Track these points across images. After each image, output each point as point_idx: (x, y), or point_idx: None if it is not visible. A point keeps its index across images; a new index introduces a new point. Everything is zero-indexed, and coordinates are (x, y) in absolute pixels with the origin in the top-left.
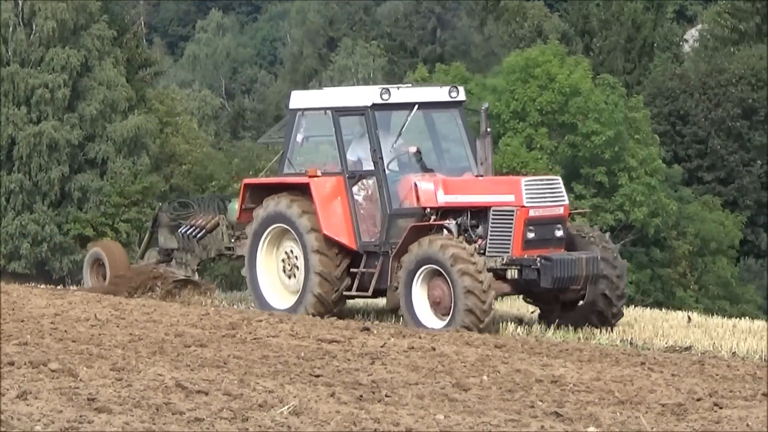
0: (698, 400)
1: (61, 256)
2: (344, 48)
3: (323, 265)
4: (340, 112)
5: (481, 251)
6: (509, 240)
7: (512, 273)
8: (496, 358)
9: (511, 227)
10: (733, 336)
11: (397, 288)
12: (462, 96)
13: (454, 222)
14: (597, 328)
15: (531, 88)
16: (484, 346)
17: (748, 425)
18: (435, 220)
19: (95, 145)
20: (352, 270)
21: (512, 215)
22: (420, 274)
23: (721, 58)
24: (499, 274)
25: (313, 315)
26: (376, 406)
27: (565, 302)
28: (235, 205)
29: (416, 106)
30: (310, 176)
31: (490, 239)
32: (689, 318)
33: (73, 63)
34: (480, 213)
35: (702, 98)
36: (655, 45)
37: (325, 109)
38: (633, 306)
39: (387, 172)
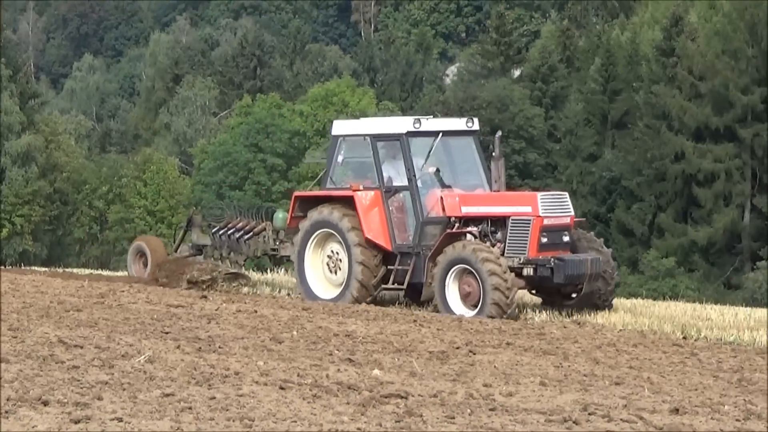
0: (457, 348)
1: None
2: (186, 82)
3: (364, 256)
4: (377, 138)
5: (500, 253)
6: (526, 243)
7: (528, 271)
8: (303, 318)
9: (527, 233)
10: None
11: (431, 283)
12: (476, 126)
13: (476, 228)
14: (592, 316)
15: (330, 112)
16: (294, 309)
17: (495, 367)
18: (459, 228)
19: None
20: (388, 267)
21: (529, 223)
22: (453, 271)
23: (474, 88)
24: (516, 272)
25: (357, 300)
26: (211, 355)
27: (565, 294)
28: (280, 214)
29: (440, 134)
30: (354, 190)
31: (509, 243)
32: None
33: None
34: (499, 221)
35: None
36: (423, 78)
37: (365, 135)
38: None
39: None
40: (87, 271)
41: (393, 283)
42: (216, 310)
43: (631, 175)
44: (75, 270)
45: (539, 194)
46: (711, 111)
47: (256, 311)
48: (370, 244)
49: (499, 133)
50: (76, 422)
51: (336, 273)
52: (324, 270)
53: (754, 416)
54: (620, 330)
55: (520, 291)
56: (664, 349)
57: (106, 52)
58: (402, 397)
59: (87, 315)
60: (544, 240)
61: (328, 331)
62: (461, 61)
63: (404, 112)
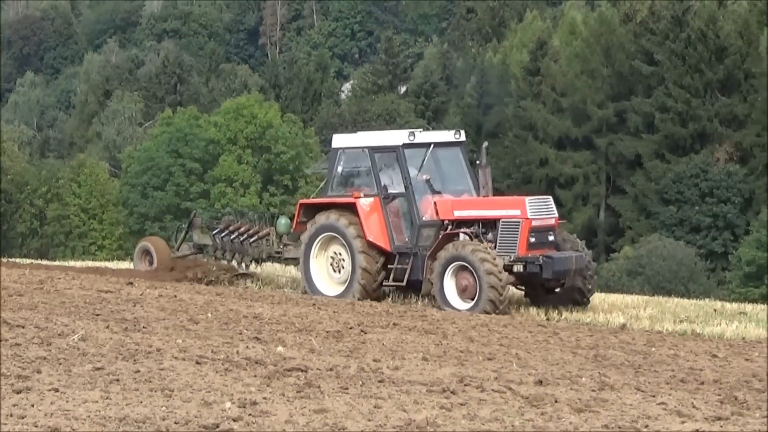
0: (351, 328)
1: None
2: (116, 97)
3: (367, 263)
4: (375, 150)
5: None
6: (515, 243)
7: (518, 268)
8: (217, 302)
9: (517, 233)
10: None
11: (430, 279)
12: (463, 138)
13: (469, 230)
14: (573, 308)
15: (240, 123)
16: (209, 294)
17: (384, 344)
18: (451, 230)
19: None
20: (388, 266)
21: (518, 225)
22: (451, 268)
23: (366, 102)
24: (507, 269)
25: (359, 299)
26: (136, 334)
27: (548, 289)
28: (282, 220)
29: (432, 146)
30: (355, 197)
31: (500, 242)
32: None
33: None
34: (489, 223)
35: (353, 130)
36: (322, 94)
37: (363, 147)
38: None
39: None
40: (28, 261)
41: (393, 281)
42: (141, 295)
43: (503, 179)
44: (17, 260)
45: (527, 198)
46: (571, 123)
47: (175, 296)
48: (371, 246)
49: (486, 144)
50: (18, 392)
51: (339, 272)
52: (328, 269)
53: (608, 387)
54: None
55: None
56: (530, 329)
57: (45, 70)
58: (302, 371)
59: (28, 299)
60: (532, 240)
61: (238, 313)
62: (355, 78)
63: (305, 123)
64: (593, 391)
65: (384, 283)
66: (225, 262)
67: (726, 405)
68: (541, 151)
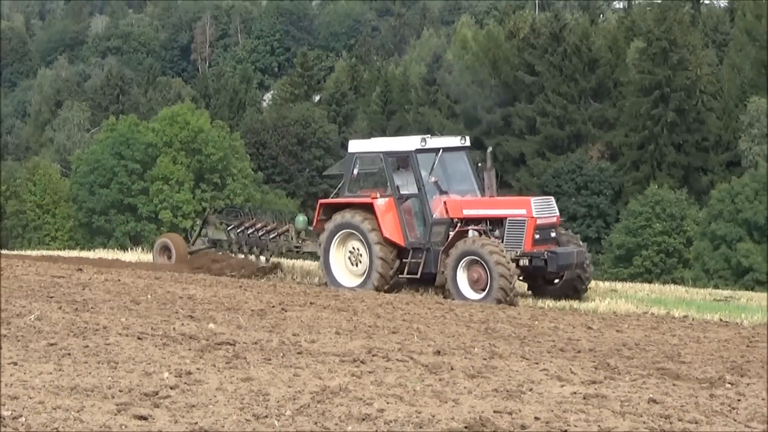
0: (273, 306)
1: None
2: (66, 106)
3: (383, 253)
4: (389, 154)
5: None
6: (522, 239)
7: (524, 262)
8: (156, 285)
9: (523, 231)
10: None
11: (444, 272)
12: (467, 143)
13: (477, 227)
14: (572, 299)
15: (175, 129)
16: (149, 278)
17: (302, 321)
18: (460, 227)
19: None
20: (402, 260)
21: (524, 222)
22: (463, 262)
23: (284, 110)
24: (513, 262)
25: (377, 289)
26: (86, 314)
27: (549, 281)
28: (300, 217)
29: (441, 150)
30: (372, 198)
31: (507, 239)
32: (267, 259)
33: None
34: (496, 221)
35: (273, 134)
36: (246, 103)
37: (378, 152)
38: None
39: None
40: None
41: (407, 273)
42: (89, 279)
43: None
44: None
45: (532, 199)
46: (464, 126)
47: (119, 280)
48: (387, 242)
49: (490, 148)
50: None
51: (357, 265)
52: (346, 263)
53: (497, 356)
54: (396, 292)
55: None
56: (429, 306)
57: (3, 83)
58: (231, 344)
59: None
60: (537, 236)
61: (174, 294)
62: (274, 89)
63: (232, 128)
64: (484, 359)
65: (399, 276)
66: (242, 257)
67: (600, 370)
68: None
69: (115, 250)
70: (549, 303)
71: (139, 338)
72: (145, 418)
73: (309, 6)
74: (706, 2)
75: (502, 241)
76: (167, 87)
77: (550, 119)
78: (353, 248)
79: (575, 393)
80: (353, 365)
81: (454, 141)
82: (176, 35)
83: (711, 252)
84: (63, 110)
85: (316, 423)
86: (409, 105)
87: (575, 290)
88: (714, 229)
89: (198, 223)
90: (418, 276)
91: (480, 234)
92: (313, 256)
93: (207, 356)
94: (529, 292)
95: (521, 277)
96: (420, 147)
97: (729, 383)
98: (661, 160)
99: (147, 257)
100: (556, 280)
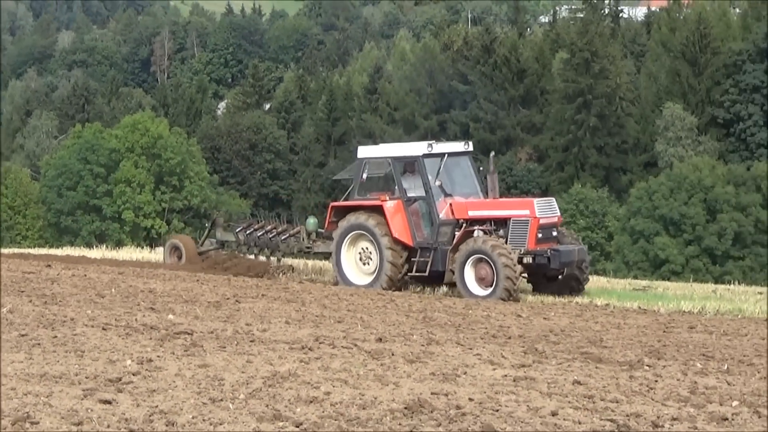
0: (228, 298)
1: None
2: (35, 115)
3: (393, 257)
4: (397, 159)
5: None
6: (525, 238)
7: (527, 260)
8: (119, 279)
9: (527, 230)
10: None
11: (452, 270)
12: (471, 148)
13: (482, 227)
14: (572, 295)
15: (136, 135)
16: (113, 273)
17: (254, 311)
18: (466, 228)
19: None
20: (411, 259)
21: (528, 222)
22: (471, 260)
23: (237, 117)
24: (518, 260)
25: (387, 287)
26: (54, 307)
27: (549, 278)
28: (311, 220)
29: (446, 155)
30: (382, 200)
31: (511, 238)
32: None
33: None
34: (500, 221)
35: (227, 139)
36: (202, 111)
37: (386, 158)
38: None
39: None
40: None
41: (416, 271)
42: (57, 275)
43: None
44: None
45: (535, 200)
46: (403, 132)
47: (85, 275)
48: (396, 242)
49: (493, 153)
50: None
51: (367, 264)
52: (356, 263)
53: (434, 342)
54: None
55: None
56: (372, 297)
57: None
58: (189, 334)
59: None
60: (540, 235)
61: (136, 288)
62: (228, 98)
63: (189, 135)
64: (422, 345)
65: (409, 274)
66: (252, 257)
67: (528, 355)
68: None
69: (82, 247)
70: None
71: (103, 329)
72: (109, 402)
73: (259, 21)
74: (625, 16)
75: (507, 241)
76: (129, 97)
77: (482, 124)
78: (363, 248)
79: (506, 376)
80: (302, 352)
81: (458, 146)
82: (137, 49)
83: (630, 245)
84: (32, 119)
85: (267, 405)
86: (353, 112)
87: (575, 286)
88: (633, 225)
89: (207, 225)
90: (427, 274)
91: (485, 234)
92: (324, 256)
93: (166, 345)
94: (530, 287)
95: (525, 275)
96: (427, 152)
97: (647, 366)
98: (584, 162)
99: (111, 254)
100: (558, 277)
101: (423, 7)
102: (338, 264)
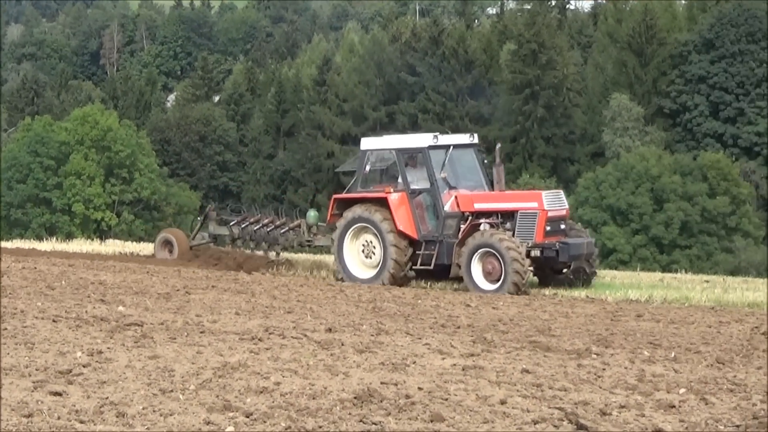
0: (177, 290)
1: None
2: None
3: (397, 250)
4: (402, 151)
5: None
6: (533, 231)
7: (535, 253)
8: (70, 272)
9: (534, 223)
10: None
11: (458, 264)
12: (476, 140)
13: (489, 220)
14: (577, 287)
15: (86, 128)
16: (63, 266)
17: (204, 303)
18: (472, 221)
19: None
20: (416, 253)
21: (536, 215)
22: (478, 254)
23: (187, 109)
24: (526, 254)
25: (391, 281)
26: (4, 299)
27: (556, 271)
28: (311, 212)
29: (451, 147)
30: (386, 193)
31: (518, 231)
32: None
33: None
34: (507, 214)
35: (177, 132)
36: (151, 103)
37: (391, 149)
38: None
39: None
40: None
41: (420, 265)
42: (7, 267)
43: (298, 168)
44: None
45: (543, 193)
46: (352, 123)
47: (35, 267)
48: (401, 235)
49: (499, 145)
50: None
51: (370, 258)
52: (359, 255)
53: (384, 332)
54: (291, 275)
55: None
56: (321, 288)
57: None
58: (139, 325)
59: None
60: (548, 228)
61: (86, 280)
62: (178, 91)
63: (138, 127)
64: (372, 335)
65: (413, 268)
66: (248, 251)
67: (477, 344)
68: (328, 146)
69: (32, 240)
70: (430, 283)
71: (54, 321)
72: (59, 394)
73: (208, 14)
74: (571, 7)
75: (514, 234)
76: (78, 90)
77: (431, 115)
78: (366, 242)
79: (455, 365)
80: (252, 343)
81: (463, 138)
82: (86, 42)
83: None
84: None
85: (217, 396)
86: (302, 104)
87: (583, 279)
88: (581, 214)
89: (199, 218)
90: (431, 267)
91: (492, 227)
92: (324, 249)
93: (117, 336)
94: (536, 280)
95: (532, 268)
96: (432, 144)
97: (595, 354)
98: (532, 152)
99: (61, 246)
100: (564, 270)
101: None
102: (340, 258)
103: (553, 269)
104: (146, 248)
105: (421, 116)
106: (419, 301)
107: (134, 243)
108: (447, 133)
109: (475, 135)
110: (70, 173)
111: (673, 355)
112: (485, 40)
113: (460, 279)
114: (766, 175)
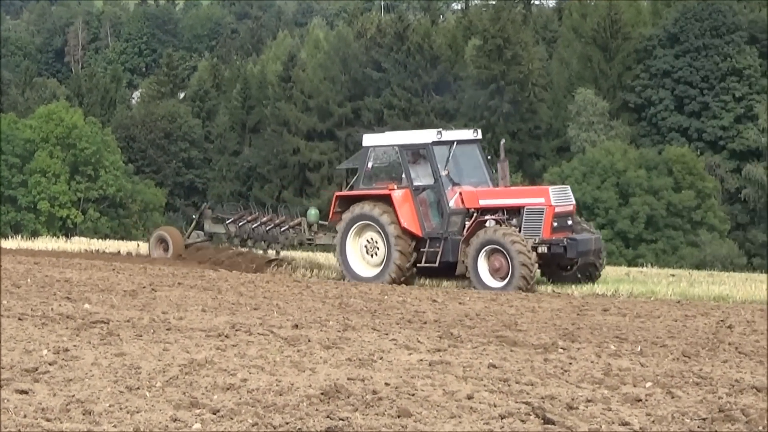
0: (144, 287)
1: None
2: None
3: (401, 246)
4: (405, 147)
5: None
6: (540, 227)
7: (542, 249)
8: (35, 269)
9: (541, 219)
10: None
11: (464, 261)
12: (479, 136)
13: (494, 216)
14: (585, 283)
15: (51, 125)
16: (29, 263)
17: (170, 300)
18: (478, 217)
19: None
20: (420, 250)
21: (543, 211)
22: (484, 251)
23: (152, 106)
24: (532, 250)
25: (394, 281)
26: None
27: (562, 267)
28: (312, 211)
29: (455, 143)
30: (390, 189)
31: (524, 227)
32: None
33: None
34: (513, 210)
35: (142, 129)
36: (117, 100)
37: (394, 145)
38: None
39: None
40: None
41: (425, 262)
42: None
43: (263, 165)
44: None
45: (550, 188)
46: (317, 119)
47: (1, 265)
48: (405, 232)
49: (503, 140)
50: None
51: (373, 256)
52: (362, 254)
53: (350, 328)
54: (256, 273)
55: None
56: (288, 284)
57: None
58: (105, 323)
59: None
60: (555, 224)
61: (52, 278)
62: (143, 87)
63: (104, 124)
64: (339, 331)
65: (418, 265)
66: (245, 250)
67: (444, 339)
68: (293, 142)
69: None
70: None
71: (19, 319)
72: (26, 392)
73: (173, 11)
74: (536, 2)
75: (520, 230)
76: (43, 87)
77: (396, 111)
78: (369, 239)
79: (422, 360)
80: (218, 339)
81: (467, 134)
82: (51, 39)
83: None
84: None
85: (184, 393)
86: (267, 100)
87: (590, 276)
88: None
89: (194, 216)
90: (437, 265)
91: (498, 223)
92: (325, 248)
93: (83, 334)
94: (544, 277)
95: (540, 265)
96: (436, 139)
97: (561, 348)
98: (498, 148)
99: (27, 244)
100: (569, 267)
101: None
102: (343, 256)
103: (559, 265)
104: (112, 246)
105: (387, 112)
106: (386, 297)
107: (100, 240)
108: (450, 128)
109: (479, 131)
110: (35, 171)
111: (639, 349)
112: (450, 36)
113: (465, 276)
114: (731, 169)
